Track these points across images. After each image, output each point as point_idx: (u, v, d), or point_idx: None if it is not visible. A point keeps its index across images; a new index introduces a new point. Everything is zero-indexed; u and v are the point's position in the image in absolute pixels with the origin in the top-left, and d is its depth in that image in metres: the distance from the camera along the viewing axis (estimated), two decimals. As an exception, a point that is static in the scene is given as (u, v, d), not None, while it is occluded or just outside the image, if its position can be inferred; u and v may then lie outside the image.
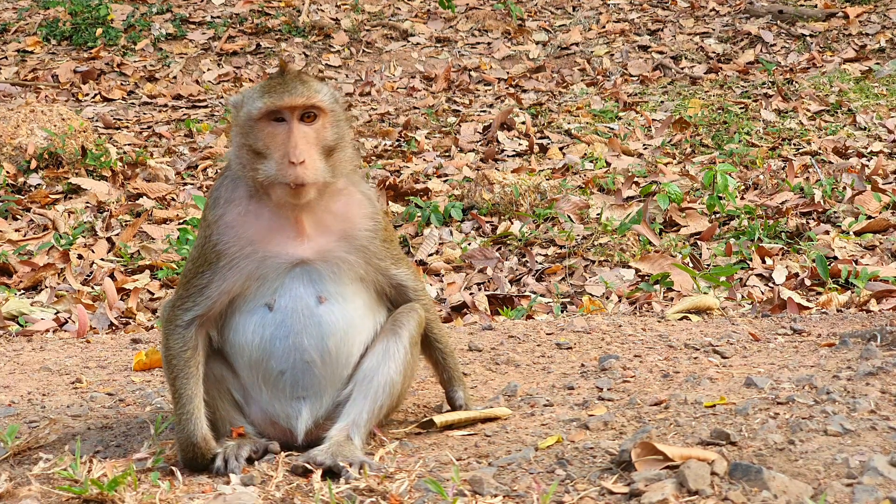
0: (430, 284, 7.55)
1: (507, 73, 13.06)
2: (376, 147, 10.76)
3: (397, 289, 3.84)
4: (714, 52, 13.06)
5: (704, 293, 6.47)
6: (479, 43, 13.90)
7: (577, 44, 13.66)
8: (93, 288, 7.58)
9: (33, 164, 9.73)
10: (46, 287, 7.61)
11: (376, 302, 3.83)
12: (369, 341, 3.78)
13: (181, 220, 8.80)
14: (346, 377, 3.75)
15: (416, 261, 7.96)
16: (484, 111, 11.80)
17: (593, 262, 7.65)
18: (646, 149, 10.20)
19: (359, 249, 3.74)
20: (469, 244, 8.13)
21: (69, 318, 6.87)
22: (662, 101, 11.62)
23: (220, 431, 3.73)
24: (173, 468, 3.56)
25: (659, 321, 5.59)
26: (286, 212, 3.66)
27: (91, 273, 7.94)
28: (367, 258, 3.75)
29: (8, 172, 9.64)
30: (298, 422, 3.73)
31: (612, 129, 10.79)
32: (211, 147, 10.72)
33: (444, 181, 9.60)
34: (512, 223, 8.34)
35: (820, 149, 9.87)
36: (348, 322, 3.72)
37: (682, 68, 12.72)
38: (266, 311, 3.66)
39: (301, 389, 3.71)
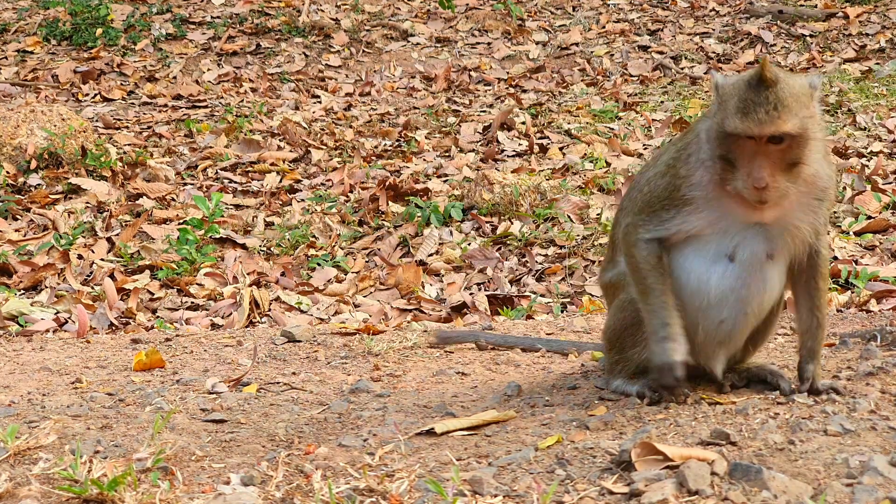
0: (431, 285, 7.55)
1: (507, 73, 13.06)
2: (376, 147, 10.76)
3: (810, 257, 3.95)
4: (714, 53, 13.06)
5: (704, 293, 6.46)
6: (479, 43, 13.90)
7: (577, 44, 13.66)
8: (93, 288, 7.58)
9: (33, 164, 9.74)
10: (46, 287, 7.61)
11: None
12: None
13: (181, 220, 8.80)
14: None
15: (416, 261, 7.97)
16: (484, 111, 11.80)
17: (593, 262, 7.66)
18: (646, 149, 10.20)
19: (807, 218, 3.87)
20: (469, 244, 8.13)
21: (69, 318, 6.86)
22: (662, 101, 11.63)
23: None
24: (174, 468, 3.56)
25: (659, 321, 5.58)
26: None
27: (91, 273, 7.94)
28: (811, 226, 3.89)
29: (8, 172, 9.64)
30: (717, 364, 3.98)
31: (612, 129, 10.79)
32: (211, 147, 10.73)
33: (444, 181, 9.60)
34: (512, 223, 8.34)
35: (820, 149, 9.86)
36: (781, 280, 3.93)
37: (682, 68, 12.72)
38: (728, 263, 3.84)
39: (729, 337, 3.93)
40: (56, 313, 6.95)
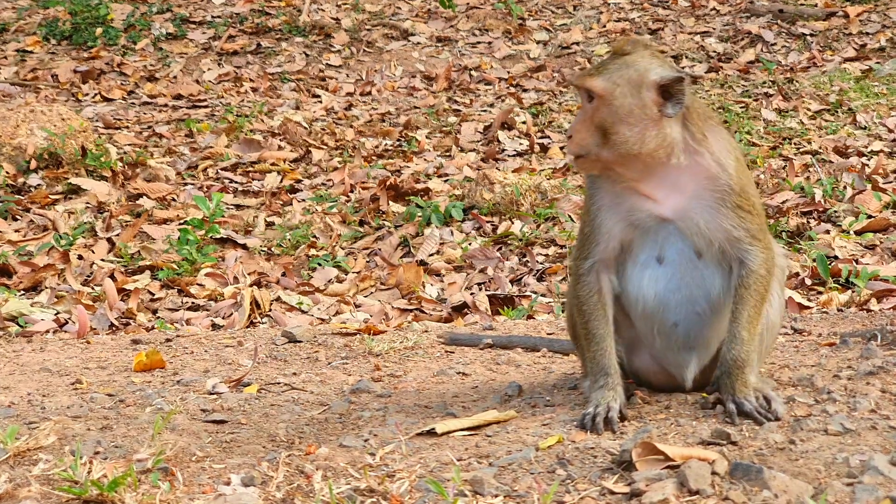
0: (431, 284, 7.55)
1: (508, 72, 13.06)
2: (377, 147, 10.76)
3: (740, 267, 3.82)
4: (715, 52, 13.05)
5: (705, 293, 6.46)
6: (479, 42, 13.90)
7: (577, 43, 13.66)
8: (93, 288, 7.57)
9: (33, 164, 9.73)
10: (46, 287, 7.61)
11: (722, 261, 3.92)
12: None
13: (181, 221, 8.80)
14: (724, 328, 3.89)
15: (417, 261, 7.96)
16: (484, 111, 11.79)
17: (594, 261, 7.63)
18: (646, 148, 10.19)
19: (713, 219, 3.80)
20: (470, 244, 8.12)
21: (69, 318, 6.86)
22: (663, 101, 11.62)
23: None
24: (174, 469, 3.55)
25: (659, 321, 5.58)
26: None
27: (91, 273, 7.93)
28: (720, 229, 3.80)
29: (8, 172, 9.64)
30: (687, 371, 3.95)
31: (613, 128, 10.77)
32: (211, 147, 10.72)
33: (445, 181, 9.60)
34: (513, 223, 8.33)
35: (820, 148, 9.86)
36: (723, 279, 3.85)
37: (683, 67, 12.71)
38: (657, 265, 3.85)
39: (692, 340, 3.89)
40: (56, 314, 6.95)
